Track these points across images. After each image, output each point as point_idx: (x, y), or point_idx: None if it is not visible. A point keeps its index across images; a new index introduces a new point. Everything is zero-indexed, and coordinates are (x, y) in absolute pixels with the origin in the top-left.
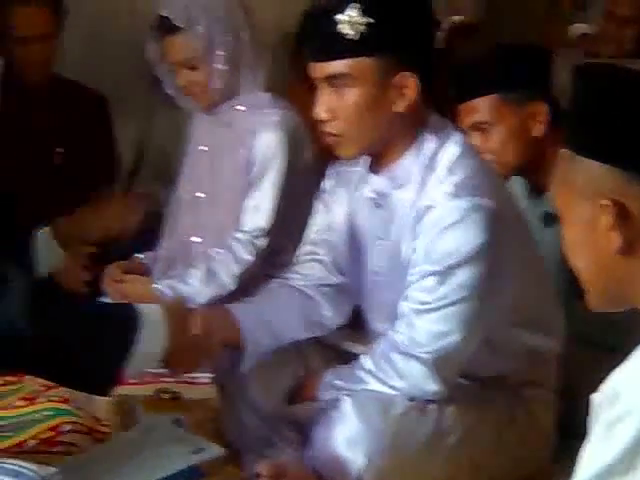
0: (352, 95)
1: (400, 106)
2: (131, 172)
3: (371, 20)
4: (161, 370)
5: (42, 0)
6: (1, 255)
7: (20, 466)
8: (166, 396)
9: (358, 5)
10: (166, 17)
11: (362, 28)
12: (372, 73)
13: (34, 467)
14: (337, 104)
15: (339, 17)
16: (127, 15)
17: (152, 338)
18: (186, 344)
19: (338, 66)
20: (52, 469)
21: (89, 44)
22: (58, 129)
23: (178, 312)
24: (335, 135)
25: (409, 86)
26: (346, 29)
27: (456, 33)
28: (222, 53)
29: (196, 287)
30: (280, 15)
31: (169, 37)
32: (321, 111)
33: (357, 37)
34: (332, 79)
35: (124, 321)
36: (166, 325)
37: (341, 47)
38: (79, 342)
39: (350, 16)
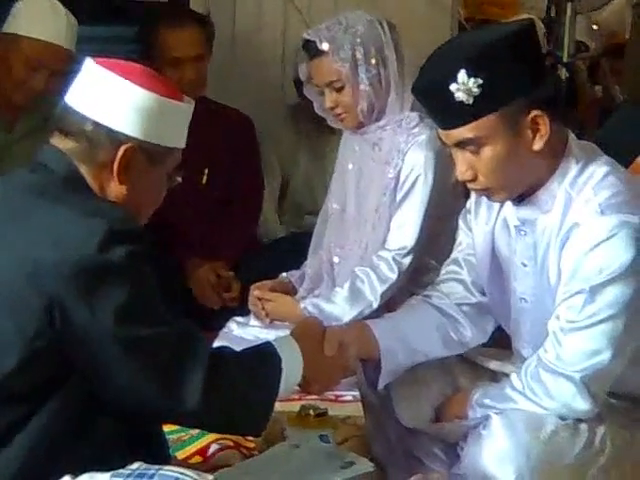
0: (488, 152)
1: (538, 144)
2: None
3: (480, 80)
4: None
5: (195, 22)
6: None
7: (180, 473)
8: (311, 413)
9: (464, 70)
10: (311, 40)
11: (476, 91)
12: (499, 127)
13: (193, 474)
14: (476, 162)
15: (451, 87)
16: (275, 36)
17: (292, 370)
18: (321, 366)
19: (463, 132)
20: (209, 476)
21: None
22: (206, 150)
23: (311, 335)
24: (484, 189)
25: (540, 122)
26: (460, 97)
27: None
28: (367, 74)
29: (341, 306)
30: (427, 27)
31: (315, 60)
32: (463, 172)
33: (473, 101)
34: (462, 144)
35: (269, 361)
36: (301, 354)
37: (460, 114)
38: (240, 397)
39: (461, 83)
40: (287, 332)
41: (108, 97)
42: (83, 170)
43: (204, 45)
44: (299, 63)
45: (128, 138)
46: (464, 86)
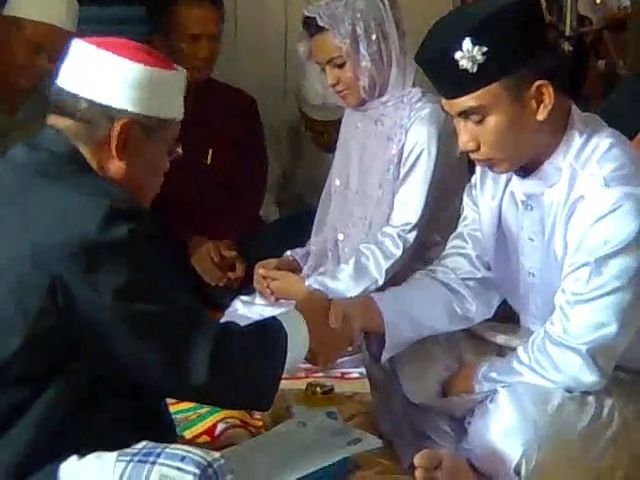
0: (491, 121)
1: (542, 114)
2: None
3: (485, 48)
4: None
5: (212, 1)
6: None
7: (186, 451)
8: (318, 390)
9: (469, 38)
10: (311, 17)
11: (480, 59)
12: (503, 96)
13: (200, 452)
14: (480, 132)
15: (456, 55)
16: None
17: (297, 342)
18: (326, 337)
19: (467, 101)
20: (216, 454)
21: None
22: (210, 130)
23: (316, 308)
24: (487, 160)
25: (545, 93)
26: (465, 65)
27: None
28: (368, 50)
29: (346, 283)
30: (428, 3)
31: (316, 37)
32: (466, 142)
33: (477, 69)
34: (466, 113)
35: (275, 335)
36: (306, 326)
37: (464, 83)
38: (247, 371)
39: (466, 51)
40: None
41: (98, 73)
42: (82, 149)
43: (219, 23)
44: (300, 40)
45: (123, 113)
46: (469, 54)
